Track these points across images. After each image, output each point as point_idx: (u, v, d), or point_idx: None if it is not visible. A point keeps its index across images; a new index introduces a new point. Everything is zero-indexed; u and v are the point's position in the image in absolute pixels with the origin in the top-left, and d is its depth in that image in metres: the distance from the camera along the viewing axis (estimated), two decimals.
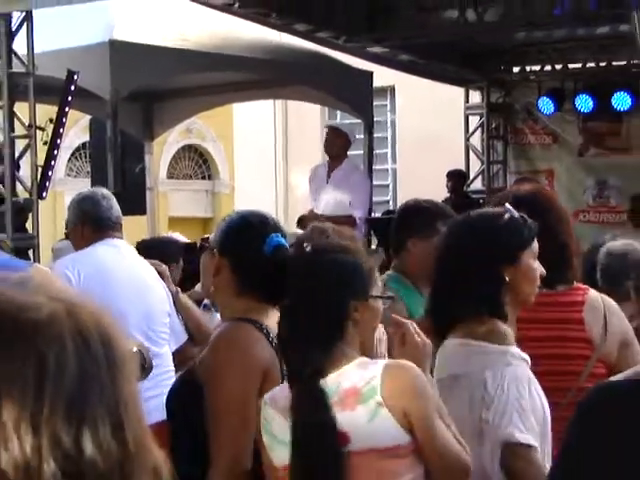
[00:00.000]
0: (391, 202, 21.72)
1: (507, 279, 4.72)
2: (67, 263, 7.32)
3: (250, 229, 4.97)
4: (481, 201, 14.15)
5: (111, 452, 1.39)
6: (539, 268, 4.85)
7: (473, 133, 17.10)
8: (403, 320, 4.25)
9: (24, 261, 6.74)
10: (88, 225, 7.44)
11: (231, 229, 4.99)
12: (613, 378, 3.17)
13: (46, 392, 1.37)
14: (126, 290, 7.21)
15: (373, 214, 14.82)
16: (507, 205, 5.08)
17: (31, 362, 1.39)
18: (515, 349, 4.61)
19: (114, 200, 7.67)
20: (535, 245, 4.89)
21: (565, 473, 2.96)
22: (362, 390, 3.87)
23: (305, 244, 4.37)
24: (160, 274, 7.81)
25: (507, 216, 4.99)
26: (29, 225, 12.36)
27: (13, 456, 1.35)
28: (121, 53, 13.43)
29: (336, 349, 3.96)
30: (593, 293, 5.46)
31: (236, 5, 12.95)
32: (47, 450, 1.36)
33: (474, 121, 17.03)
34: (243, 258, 4.77)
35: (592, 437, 2.81)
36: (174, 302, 7.54)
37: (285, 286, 4.50)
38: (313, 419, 3.82)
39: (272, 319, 4.69)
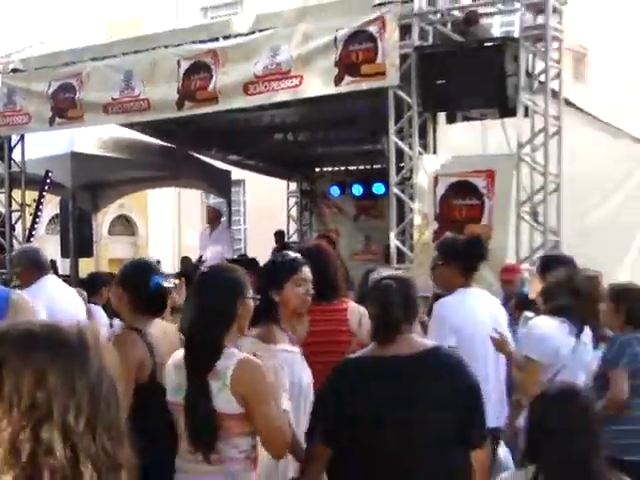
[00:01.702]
0: (243, 249, 24.37)
1: (276, 299, 6.10)
2: (31, 294, 7.89)
3: (140, 272, 6.29)
4: None
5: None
6: (303, 290, 6.20)
7: (292, 208, 21.21)
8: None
9: (7, 289, 7.14)
10: (33, 268, 9.00)
11: (127, 271, 6.32)
12: (357, 354, 5.45)
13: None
14: (67, 309, 8.71)
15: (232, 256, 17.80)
16: (286, 251, 6.92)
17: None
18: (281, 345, 6.00)
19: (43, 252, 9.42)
20: (302, 274, 6.25)
21: (322, 402, 5.37)
22: (220, 372, 4.95)
23: (203, 268, 6.35)
24: (82, 297, 9.97)
25: (279, 258, 6.70)
26: None
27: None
28: (77, 159, 17.08)
29: (223, 335, 5.09)
30: (352, 303, 7.16)
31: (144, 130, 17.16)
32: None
33: (292, 201, 21.23)
34: (135, 291, 6.04)
35: (339, 382, 5.21)
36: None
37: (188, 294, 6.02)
38: (195, 383, 4.94)
39: (153, 327, 6.02)
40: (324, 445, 5.14)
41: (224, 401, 4.89)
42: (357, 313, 6.71)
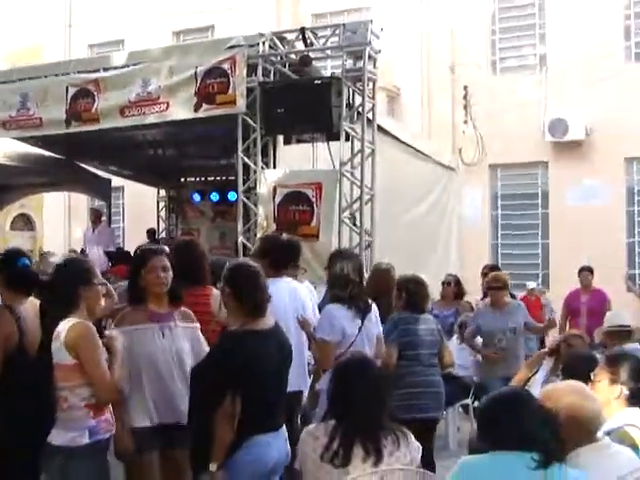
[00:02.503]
0: (121, 244, 22.82)
1: (142, 283, 6.10)
2: None
3: (9, 256, 6.47)
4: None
5: None
6: (168, 275, 6.14)
7: (161, 210, 20.89)
8: None
9: None
10: None
11: (4, 260, 6.49)
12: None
13: None
14: None
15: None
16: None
17: None
18: (138, 325, 5.98)
19: None
20: (157, 262, 6.14)
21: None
22: (60, 335, 5.13)
23: (61, 261, 6.28)
24: None
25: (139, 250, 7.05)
26: None
27: None
28: None
29: (70, 313, 5.22)
30: (215, 290, 6.95)
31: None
32: None
33: (162, 204, 20.91)
34: (6, 271, 6.20)
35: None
36: None
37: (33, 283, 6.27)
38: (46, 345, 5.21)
39: (25, 304, 6.07)
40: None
41: (61, 355, 5.11)
42: (218, 298, 6.48)
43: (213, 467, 5.01)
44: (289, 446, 5.45)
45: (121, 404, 5.62)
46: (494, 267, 13.80)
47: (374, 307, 7.53)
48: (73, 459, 5.15)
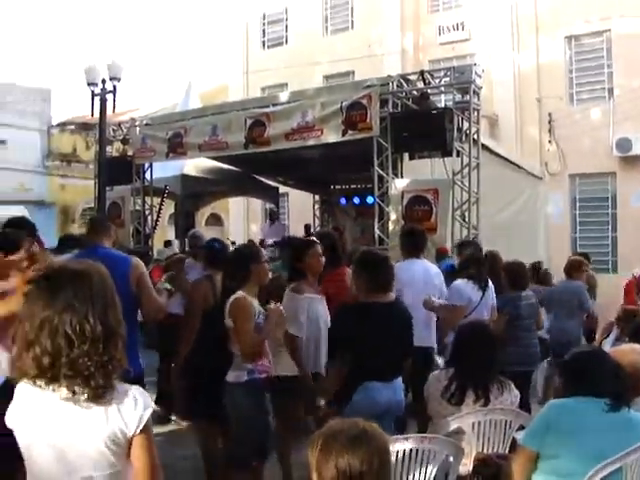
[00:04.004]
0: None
1: (303, 264, 6.05)
2: None
3: (210, 244, 6.74)
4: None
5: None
6: (320, 259, 6.14)
7: (316, 211, 20.95)
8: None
9: (127, 255, 6.00)
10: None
11: (207, 245, 6.76)
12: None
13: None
14: None
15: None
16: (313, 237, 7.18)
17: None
18: (308, 294, 5.99)
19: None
20: (317, 249, 6.17)
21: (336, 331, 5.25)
22: (226, 305, 5.24)
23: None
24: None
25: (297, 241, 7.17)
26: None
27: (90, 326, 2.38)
28: (185, 179, 17.37)
29: (243, 284, 5.32)
30: (348, 269, 6.62)
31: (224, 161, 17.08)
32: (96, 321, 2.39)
33: (316, 207, 21.00)
34: (208, 254, 6.52)
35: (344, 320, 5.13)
36: None
37: None
38: None
39: (218, 276, 5.92)
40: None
41: (227, 319, 5.28)
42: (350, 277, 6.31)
43: (319, 402, 5.10)
44: (402, 395, 5.32)
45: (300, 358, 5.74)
46: (582, 254, 13.11)
47: (490, 284, 7.49)
48: (237, 391, 5.22)
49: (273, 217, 19.62)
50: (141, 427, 2.55)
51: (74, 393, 2.47)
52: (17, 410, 2.59)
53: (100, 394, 2.48)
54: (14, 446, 2.61)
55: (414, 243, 7.84)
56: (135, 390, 2.58)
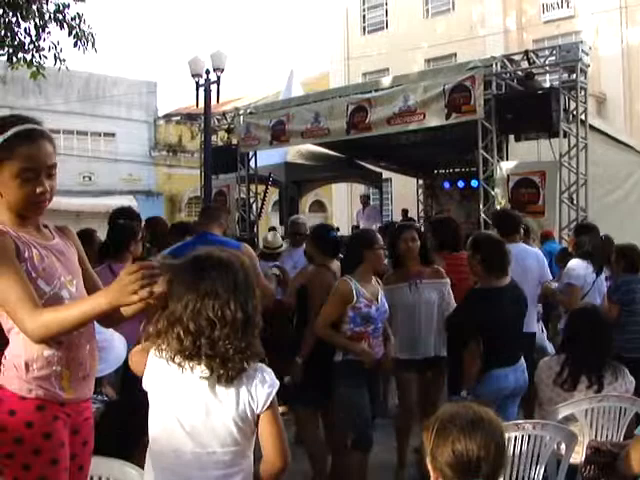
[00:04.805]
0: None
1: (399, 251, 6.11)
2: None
3: (321, 232, 6.31)
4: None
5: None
6: (416, 244, 6.07)
7: (420, 195, 20.83)
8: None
9: (238, 242, 6.16)
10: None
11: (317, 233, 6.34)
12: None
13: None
14: None
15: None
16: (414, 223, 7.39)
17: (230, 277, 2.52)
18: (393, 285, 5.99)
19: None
20: (409, 234, 6.11)
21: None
22: None
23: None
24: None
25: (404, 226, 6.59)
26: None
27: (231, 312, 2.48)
28: (288, 166, 17.54)
29: (356, 269, 5.37)
30: (463, 254, 6.37)
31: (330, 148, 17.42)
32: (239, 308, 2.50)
33: (420, 191, 20.82)
34: (320, 242, 6.12)
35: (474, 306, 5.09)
36: None
37: None
38: None
39: (334, 264, 6.01)
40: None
41: None
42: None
43: (464, 393, 5.00)
44: (527, 375, 5.30)
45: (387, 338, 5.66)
46: None
47: (605, 271, 7.36)
48: (337, 372, 5.33)
49: (365, 202, 19.74)
50: (268, 404, 2.66)
51: (212, 372, 2.59)
52: (154, 379, 2.72)
53: (234, 376, 2.61)
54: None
55: (512, 226, 7.58)
56: (263, 368, 2.70)
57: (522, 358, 5.30)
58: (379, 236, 5.65)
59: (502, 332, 5.03)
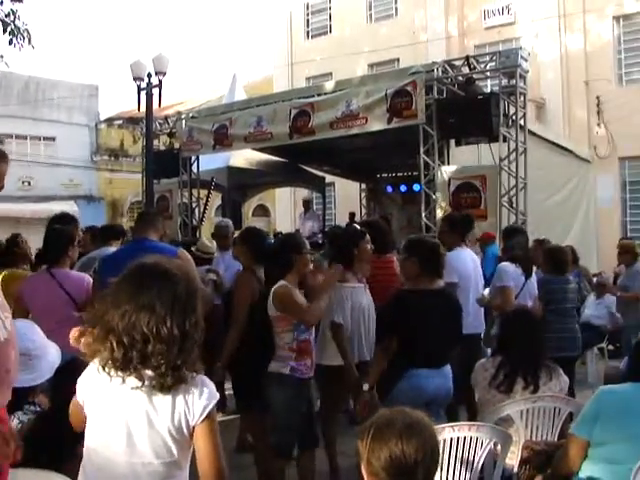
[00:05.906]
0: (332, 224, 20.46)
1: (355, 253, 6.02)
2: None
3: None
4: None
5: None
6: (369, 247, 6.13)
7: (363, 199, 20.56)
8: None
9: (174, 247, 6.07)
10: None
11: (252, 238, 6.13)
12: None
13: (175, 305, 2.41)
14: None
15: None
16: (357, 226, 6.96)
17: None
18: (351, 283, 5.98)
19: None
20: (368, 238, 6.19)
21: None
22: (270, 294, 5.24)
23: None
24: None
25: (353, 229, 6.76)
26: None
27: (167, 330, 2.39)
28: (231, 170, 17.10)
29: (285, 274, 5.29)
30: (395, 257, 6.95)
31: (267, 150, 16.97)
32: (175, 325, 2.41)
33: (363, 195, 20.57)
34: (253, 247, 5.94)
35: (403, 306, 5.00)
36: None
37: None
38: None
39: (261, 269, 5.76)
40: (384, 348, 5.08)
41: (271, 309, 5.27)
42: (397, 261, 6.48)
43: (365, 386, 5.01)
44: (451, 384, 5.23)
45: (345, 348, 5.66)
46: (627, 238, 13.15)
47: (534, 270, 7.47)
48: (278, 381, 5.21)
49: (307, 206, 19.78)
50: (204, 416, 2.60)
51: (142, 383, 2.53)
52: (87, 387, 2.67)
53: (171, 385, 2.55)
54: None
55: (461, 231, 7.69)
56: (204, 380, 2.64)
57: (448, 366, 5.21)
58: (306, 240, 5.69)
59: (421, 333, 4.96)
